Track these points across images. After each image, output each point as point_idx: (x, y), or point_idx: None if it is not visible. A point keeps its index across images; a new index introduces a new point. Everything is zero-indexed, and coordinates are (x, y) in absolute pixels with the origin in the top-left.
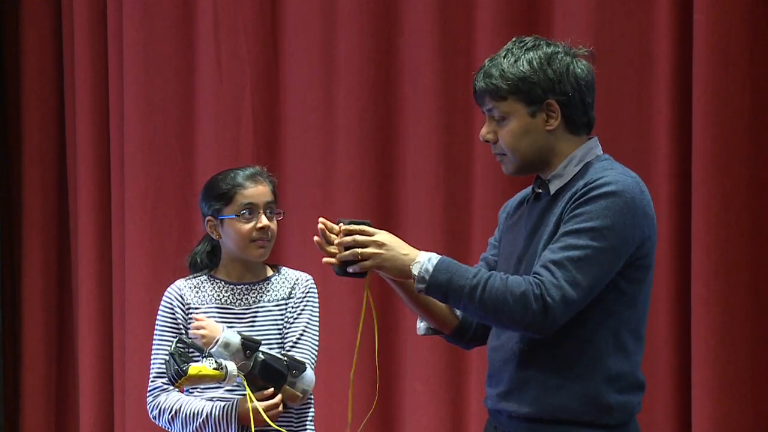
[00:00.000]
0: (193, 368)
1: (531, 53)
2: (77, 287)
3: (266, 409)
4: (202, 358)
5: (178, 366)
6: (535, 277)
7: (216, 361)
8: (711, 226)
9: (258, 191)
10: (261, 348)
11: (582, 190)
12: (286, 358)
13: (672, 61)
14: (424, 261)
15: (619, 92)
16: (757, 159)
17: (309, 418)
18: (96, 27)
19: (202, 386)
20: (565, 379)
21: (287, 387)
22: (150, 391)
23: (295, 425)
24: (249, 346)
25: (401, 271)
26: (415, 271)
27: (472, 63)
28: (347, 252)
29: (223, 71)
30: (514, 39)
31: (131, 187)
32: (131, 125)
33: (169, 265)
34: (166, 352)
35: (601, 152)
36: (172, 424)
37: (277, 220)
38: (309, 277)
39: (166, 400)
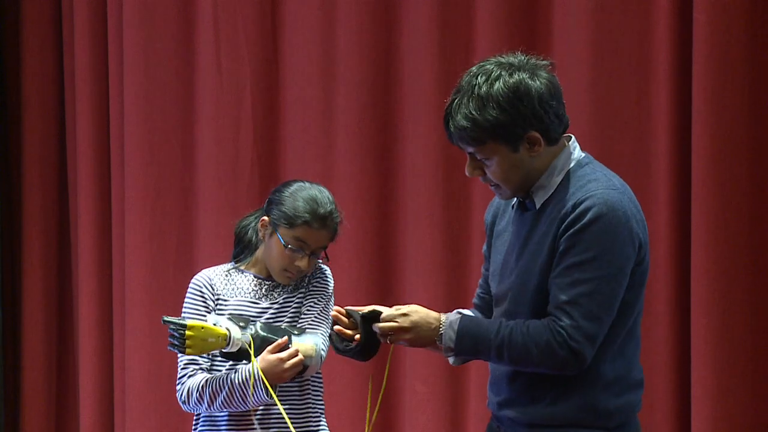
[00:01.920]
0: (195, 323)
1: (495, 88)
2: (77, 287)
3: (288, 358)
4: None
5: (178, 323)
6: (554, 322)
7: (215, 322)
8: (710, 226)
9: (319, 236)
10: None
11: (572, 215)
12: (279, 327)
13: (672, 61)
14: (446, 330)
15: (619, 92)
16: (756, 159)
17: (322, 416)
18: (96, 27)
19: (208, 352)
20: (562, 391)
21: (299, 342)
22: (179, 378)
23: (313, 421)
24: (240, 319)
25: (427, 346)
26: (441, 342)
27: (471, 62)
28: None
29: (223, 71)
30: (474, 69)
31: (131, 186)
32: (131, 125)
33: (169, 265)
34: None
35: (580, 153)
36: (201, 402)
37: (320, 260)
38: (325, 267)
39: (192, 381)
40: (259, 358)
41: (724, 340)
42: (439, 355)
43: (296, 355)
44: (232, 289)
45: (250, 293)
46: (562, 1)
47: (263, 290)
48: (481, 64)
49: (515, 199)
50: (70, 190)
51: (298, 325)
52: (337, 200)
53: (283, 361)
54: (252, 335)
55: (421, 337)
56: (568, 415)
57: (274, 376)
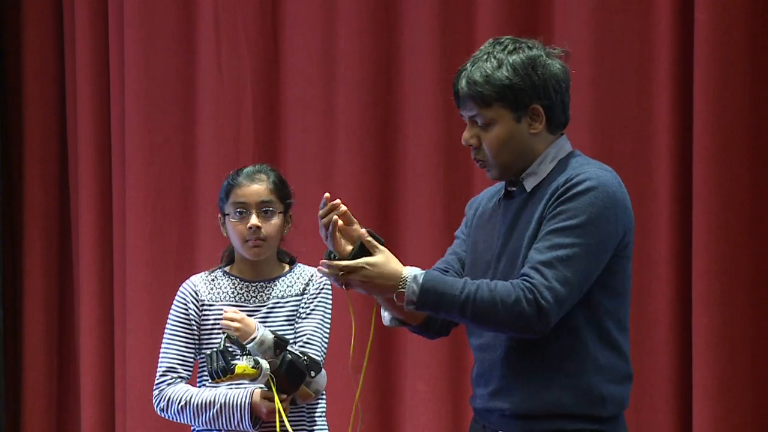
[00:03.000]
0: (239, 367)
1: (514, 57)
2: (78, 287)
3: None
4: (242, 355)
5: (227, 364)
6: (525, 281)
7: (254, 359)
8: (711, 225)
9: (251, 190)
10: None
11: (563, 187)
12: (305, 358)
13: (673, 61)
14: (409, 282)
15: (619, 92)
16: (757, 158)
17: (319, 413)
18: (97, 25)
19: (234, 383)
20: (556, 374)
21: (303, 386)
22: (157, 384)
23: (307, 420)
24: (279, 344)
25: (387, 294)
26: (403, 293)
27: None
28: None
29: (223, 70)
30: (491, 40)
31: (132, 186)
32: (132, 125)
33: (170, 264)
34: (181, 346)
35: (571, 148)
36: (180, 415)
37: (276, 220)
38: (329, 284)
39: (174, 391)
40: (255, 396)
41: (725, 340)
42: (441, 355)
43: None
44: (217, 294)
45: (234, 297)
46: (563, 1)
47: (249, 292)
48: (498, 38)
49: (499, 194)
50: (71, 189)
51: (296, 327)
52: (337, 199)
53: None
54: (276, 369)
55: (377, 285)
56: (562, 401)
57: (260, 414)
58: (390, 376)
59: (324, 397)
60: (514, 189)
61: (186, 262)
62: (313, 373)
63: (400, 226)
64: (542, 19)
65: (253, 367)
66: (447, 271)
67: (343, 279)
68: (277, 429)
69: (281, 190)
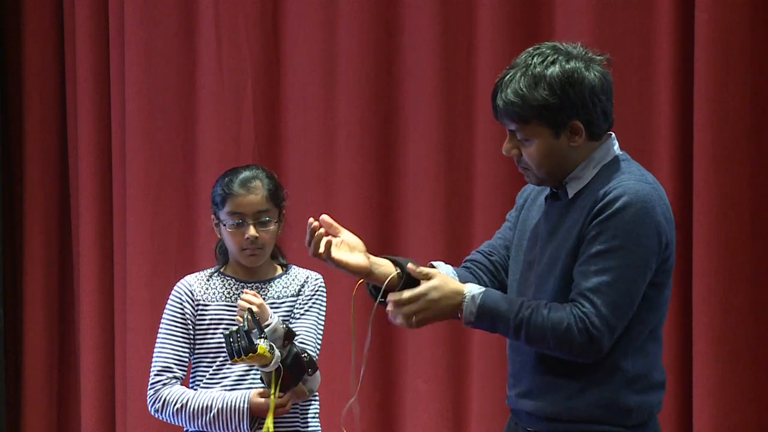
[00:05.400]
0: (261, 347)
1: (550, 71)
2: (79, 285)
3: (277, 406)
4: (259, 338)
5: (250, 343)
6: (577, 307)
7: (270, 344)
8: (712, 225)
9: (247, 201)
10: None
11: (601, 203)
12: (305, 354)
13: (673, 60)
14: (467, 302)
15: (619, 91)
16: (758, 158)
17: (312, 414)
18: (98, 24)
19: (244, 366)
20: (583, 384)
21: (300, 383)
22: (152, 384)
23: (300, 420)
24: (289, 335)
25: (449, 315)
26: (462, 315)
27: (472, 61)
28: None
29: (224, 69)
30: (530, 50)
31: (133, 184)
32: (132, 123)
33: (171, 263)
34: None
35: (618, 150)
36: (176, 417)
37: (273, 226)
38: (319, 276)
39: (170, 392)
40: (252, 396)
41: (725, 340)
42: (441, 353)
43: (285, 405)
44: (212, 294)
45: (229, 297)
46: (564, 1)
47: (243, 292)
48: (538, 46)
49: (546, 190)
50: (71, 188)
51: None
52: (338, 199)
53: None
54: (281, 360)
55: (441, 307)
56: (587, 410)
57: (259, 414)
58: (390, 375)
59: (317, 397)
60: (559, 191)
61: (186, 262)
62: (311, 371)
63: (400, 226)
64: (543, 18)
65: (269, 352)
66: (491, 255)
67: (407, 311)
68: (269, 424)
69: (276, 195)
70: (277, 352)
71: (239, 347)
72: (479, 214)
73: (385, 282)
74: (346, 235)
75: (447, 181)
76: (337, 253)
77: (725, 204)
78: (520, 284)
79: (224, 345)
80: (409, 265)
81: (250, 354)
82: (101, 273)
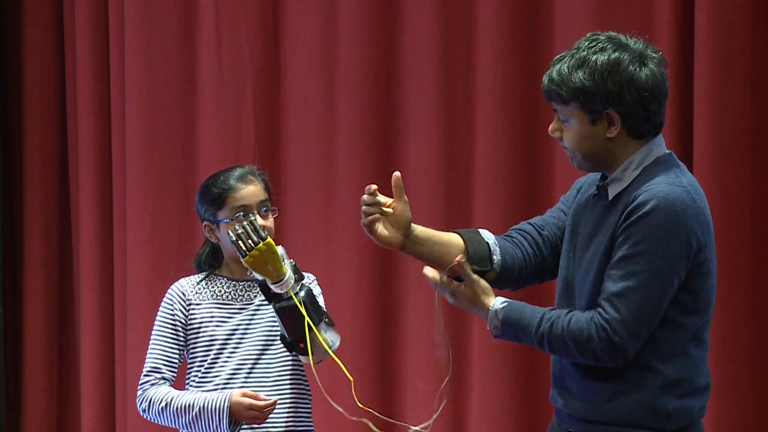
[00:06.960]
0: (273, 244)
1: (596, 57)
2: (78, 285)
3: (262, 408)
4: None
5: (259, 231)
6: (600, 314)
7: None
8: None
9: (250, 192)
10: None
11: (631, 206)
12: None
13: (673, 60)
14: (491, 316)
15: None
16: (757, 158)
17: (306, 413)
18: (97, 25)
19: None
20: (621, 387)
21: (321, 330)
22: (140, 384)
23: (294, 420)
24: (298, 272)
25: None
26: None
27: (472, 60)
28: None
29: (224, 69)
30: (588, 35)
31: (132, 185)
32: (132, 124)
33: (171, 263)
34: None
35: (663, 152)
36: (161, 416)
37: (273, 218)
38: (312, 276)
39: (156, 392)
40: (234, 396)
41: (725, 340)
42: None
43: (271, 406)
44: (204, 293)
45: (221, 295)
46: (564, 0)
47: (237, 290)
48: (596, 33)
49: (594, 187)
50: (71, 188)
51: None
52: (338, 199)
53: (253, 408)
54: (299, 298)
55: (471, 309)
56: (626, 413)
57: (239, 415)
58: (390, 374)
59: (310, 396)
60: (601, 191)
61: (186, 262)
62: (328, 320)
63: None
64: (543, 18)
65: (283, 260)
66: (543, 229)
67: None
68: (308, 343)
69: (269, 188)
70: (290, 272)
71: (250, 244)
72: (479, 214)
73: (447, 268)
74: (398, 206)
75: (447, 181)
76: (379, 225)
77: (725, 204)
78: (566, 282)
79: (235, 249)
80: (458, 259)
81: (261, 245)
82: (101, 273)
